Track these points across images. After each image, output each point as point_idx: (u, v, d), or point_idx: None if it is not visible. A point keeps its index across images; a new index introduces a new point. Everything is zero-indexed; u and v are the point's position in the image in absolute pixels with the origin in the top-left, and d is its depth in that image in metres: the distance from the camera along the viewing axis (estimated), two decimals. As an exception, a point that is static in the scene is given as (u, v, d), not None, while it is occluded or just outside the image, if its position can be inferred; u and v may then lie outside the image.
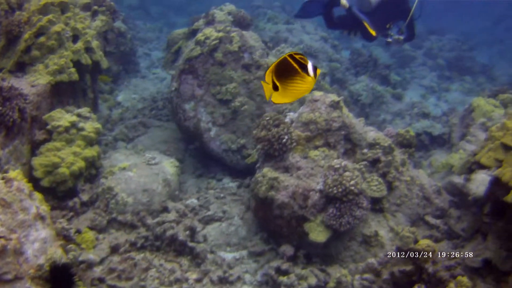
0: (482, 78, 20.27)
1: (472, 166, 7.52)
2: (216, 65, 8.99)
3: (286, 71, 3.48)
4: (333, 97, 7.29)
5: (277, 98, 3.57)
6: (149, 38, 19.31)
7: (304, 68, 3.48)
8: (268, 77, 3.50)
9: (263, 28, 16.55)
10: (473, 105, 11.01)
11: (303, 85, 3.51)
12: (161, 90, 12.84)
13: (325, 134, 7.11)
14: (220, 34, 9.13)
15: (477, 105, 10.92)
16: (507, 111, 10.58)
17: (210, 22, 10.11)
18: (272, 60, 9.53)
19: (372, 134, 7.55)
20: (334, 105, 7.20)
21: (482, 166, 7.21)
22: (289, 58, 3.45)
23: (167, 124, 10.58)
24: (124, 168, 7.71)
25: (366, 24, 8.57)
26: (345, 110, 7.41)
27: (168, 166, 8.18)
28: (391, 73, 15.72)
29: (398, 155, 7.54)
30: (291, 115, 7.52)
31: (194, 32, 10.25)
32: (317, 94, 7.38)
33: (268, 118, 7.07)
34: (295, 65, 3.46)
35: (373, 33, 8.67)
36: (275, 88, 3.52)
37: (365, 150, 7.33)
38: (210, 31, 9.24)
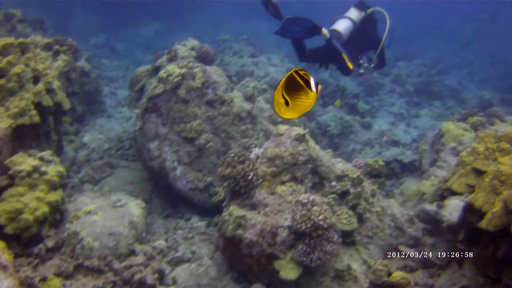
0: (451, 102, 20.36)
1: (444, 193, 7.44)
2: (180, 102, 8.85)
3: (293, 87, 3.59)
4: (298, 130, 7.17)
5: (287, 113, 3.66)
6: (115, 76, 19.09)
7: (307, 83, 3.60)
8: (279, 93, 3.58)
9: (229, 62, 16.51)
10: (443, 130, 10.95)
11: (307, 100, 3.64)
12: (127, 129, 12.65)
13: (291, 169, 6.97)
14: (183, 70, 9.01)
15: (447, 130, 10.87)
16: (477, 134, 10.54)
17: (173, 58, 10.00)
18: (237, 94, 9.44)
19: (340, 166, 7.42)
20: (300, 139, 7.07)
21: (454, 193, 7.12)
22: (295, 74, 3.55)
23: (134, 164, 10.39)
24: (89, 212, 7.48)
25: (345, 57, 8.45)
26: (311, 142, 7.28)
27: (134, 208, 7.96)
28: (359, 102, 15.70)
29: (368, 185, 7.41)
30: (257, 151, 7.38)
31: (157, 69, 10.13)
32: (282, 127, 7.26)
33: (233, 155, 6.92)
34: (300, 81, 3.58)
35: (351, 66, 8.56)
36: (286, 103, 3.61)
37: (333, 183, 7.19)
38: (172, 68, 9.11)
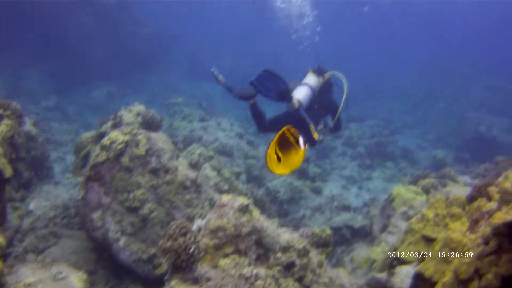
0: (404, 163, 20.52)
1: (393, 262, 7.29)
2: (123, 171, 8.64)
3: (284, 144, 3.86)
4: (242, 200, 6.99)
5: (279, 169, 3.92)
6: (64, 140, 18.77)
7: (297, 141, 3.88)
8: (272, 149, 3.83)
9: (178, 127, 16.44)
10: (393, 194, 10.89)
11: (297, 157, 3.90)
12: (74, 196, 12.33)
13: (235, 241, 6.76)
14: (126, 137, 8.82)
15: (398, 194, 10.81)
16: (428, 198, 10.50)
17: (117, 125, 9.80)
18: (183, 161, 9.28)
19: (285, 236, 7.24)
20: (243, 209, 6.88)
21: (403, 262, 6.99)
22: (287, 132, 3.84)
23: (79, 234, 10.05)
24: (29, 285, 7.18)
25: (312, 128, 8.27)
26: (255, 213, 7.10)
27: (76, 280, 7.66)
28: (310, 166, 15.64)
29: (315, 256, 7.23)
30: (199, 222, 7.16)
31: (102, 135, 9.90)
32: (225, 198, 7.07)
33: (174, 227, 6.69)
34: (291, 139, 3.85)
35: (317, 137, 8.38)
36: (278, 159, 3.85)
37: (278, 254, 6.99)
38: (116, 135, 8.93)
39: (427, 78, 38.55)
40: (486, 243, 4.94)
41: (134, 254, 8.52)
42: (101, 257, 9.37)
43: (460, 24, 63.84)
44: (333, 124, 9.11)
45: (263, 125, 8.66)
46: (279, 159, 3.82)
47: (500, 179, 7.50)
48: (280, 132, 3.80)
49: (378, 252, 9.26)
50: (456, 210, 6.98)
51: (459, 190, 11.36)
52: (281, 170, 3.93)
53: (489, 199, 6.58)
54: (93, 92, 27.42)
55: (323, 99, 9.01)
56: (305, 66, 9.28)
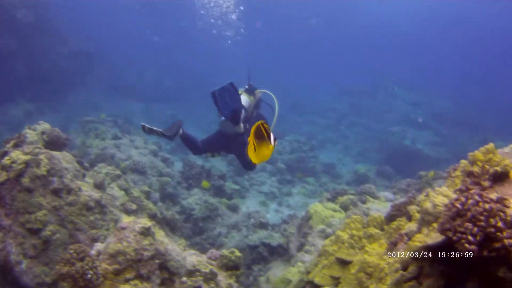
0: (325, 178, 20.48)
1: (306, 286, 7.04)
2: (24, 192, 8.17)
3: (260, 136, 4.05)
4: (143, 222, 6.65)
5: (253, 157, 4.10)
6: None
7: (269, 137, 4.07)
8: (251, 137, 4.02)
9: (90, 145, 16.00)
10: (310, 212, 10.70)
11: (266, 151, 4.07)
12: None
13: (136, 265, 6.41)
14: (27, 157, 8.37)
15: (315, 212, 10.63)
16: (347, 215, 10.33)
17: (20, 144, 9.31)
18: (88, 181, 8.90)
19: (192, 259, 6.95)
20: (145, 232, 6.54)
21: (317, 286, 6.74)
22: (261, 126, 4.03)
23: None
24: None
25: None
26: (159, 235, 6.78)
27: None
28: (228, 182, 15.36)
29: (224, 279, 6.95)
30: (98, 246, 6.78)
31: (4, 155, 9.41)
32: (126, 220, 6.72)
33: (72, 251, 6.31)
34: (265, 133, 4.04)
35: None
36: (254, 148, 4.04)
37: (184, 279, 6.67)
38: (17, 154, 8.46)
39: (350, 94, 39.03)
40: (405, 268, 4.77)
41: (37, 277, 8.08)
42: (4, 281, 8.91)
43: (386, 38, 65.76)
44: None
45: (198, 149, 8.57)
46: (254, 148, 4.01)
47: (421, 196, 7.34)
48: (256, 124, 4.02)
49: (294, 272, 9.01)
50: (374, 230, 6.81)
51: (380, 206, 11.25)
52: (254, 159, 4.11)
53: (409, 218, 6.45)
54: (11, 110, 26.51)
55: (254, 117, 8.93)
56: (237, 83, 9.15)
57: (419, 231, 5.41)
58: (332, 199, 11.71)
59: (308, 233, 10.12)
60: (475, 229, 3.79)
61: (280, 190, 18.07)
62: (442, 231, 4.11)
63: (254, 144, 4.05)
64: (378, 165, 23.36)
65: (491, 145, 6.35)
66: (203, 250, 11.41)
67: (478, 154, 6.22)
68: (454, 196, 4.68)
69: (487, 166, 5.43)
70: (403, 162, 22.80)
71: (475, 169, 5.22)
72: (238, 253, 7.40)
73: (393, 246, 5.70)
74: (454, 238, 3.90)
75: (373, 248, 6.27)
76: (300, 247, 10.05)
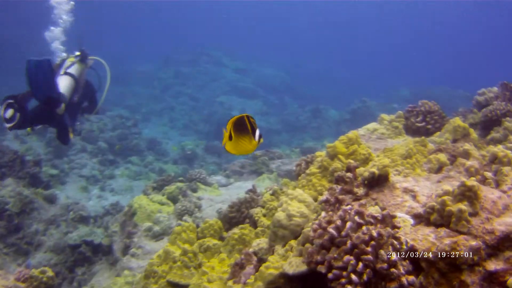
0: (151, 156, 19.54)
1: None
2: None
3: (241, 128, 3.89)
4: None
5: (229, 147, 3.95)
6: None
7: (253, 132, 3.90)
8: (228, 126, 3.88)
9: None
10: (135, 207, 9.78)
11: (249, 146, 3.93)
12: None
13: None
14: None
15: (139, 206, 9.73)
16: (176, 208, 9.58)
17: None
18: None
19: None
20: None
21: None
22: (246, 119, 3.89)
23: None
24: None
25: (70, 130, 7.54)
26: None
27: None
28: (44, 168, 14.06)
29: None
30: None
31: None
32: None
33: None
34: (249, 126, 3.89)
35: (72, 136, 7.73)
36: (230, 138, 3.89)
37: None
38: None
39: (175, 63, 37.77)
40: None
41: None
42: None
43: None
44: (88, 103, 8.46)
45: (28, 120, 7.36)
46: (230, 137, 3.90)
47: (266, 195, 6.67)
48: (239, 115, 3.92)
49: (121, 283, 8.08)
50: (211, 241, 6.13)
51: (213, 195, 10.65)
52: (229, 149, 3.99)
53: (255, 224, 5.95)
54: None
55: (84, 86, 8.18)
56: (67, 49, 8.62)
57: (271, 251, 4.75)
58: (159, 188, 10.84)
59: (134, 233, 9.25)
60: (360, 265, 3.16)
61: (102, 172, 16.81)
62: (311, 263, 3.49)
63: (232, 135, 3.93)
64: (206, 139, 22.64)
65: (354, 133, 5.74)
66: (20, 252, 10.23)
67: (339, 145, 5.59)
68: (322, 213, 4.06)
69: (352, 162, 4.83)
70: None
71: (348, 174, 4.57)
72: (51, 273, 6.46)
73: (239, 269, 4.96)
74: (330, 275, 3.23)
75: (212, 267, 5.54)
76: (126, 250, 9.13)
